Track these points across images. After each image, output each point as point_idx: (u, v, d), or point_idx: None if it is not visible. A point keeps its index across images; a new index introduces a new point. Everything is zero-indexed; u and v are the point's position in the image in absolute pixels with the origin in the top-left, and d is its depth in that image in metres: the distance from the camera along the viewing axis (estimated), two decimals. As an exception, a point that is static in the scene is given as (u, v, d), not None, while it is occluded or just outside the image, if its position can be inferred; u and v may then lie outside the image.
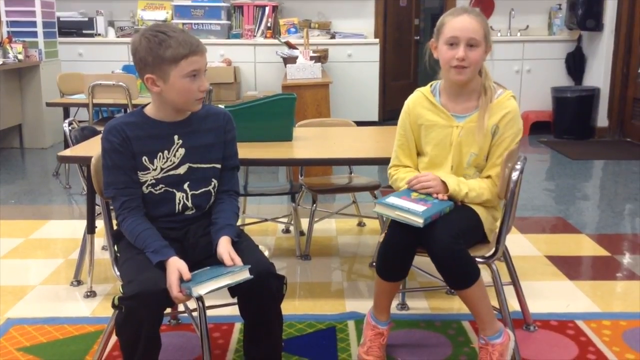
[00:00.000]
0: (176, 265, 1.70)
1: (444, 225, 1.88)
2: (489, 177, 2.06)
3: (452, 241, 1.86)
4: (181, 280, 1.68)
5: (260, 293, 1.76)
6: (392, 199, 1.92)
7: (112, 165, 1.82)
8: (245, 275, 1.71)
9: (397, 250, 1.96)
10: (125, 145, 1.81)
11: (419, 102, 2.10)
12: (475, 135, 2.02)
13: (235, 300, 1.83)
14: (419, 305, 2.54)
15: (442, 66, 2.03)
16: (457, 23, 1.97)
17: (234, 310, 1.86)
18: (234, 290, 1.79)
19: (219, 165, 1.92)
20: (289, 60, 4.96)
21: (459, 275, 1.89)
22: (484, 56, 2.00)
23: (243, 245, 1.86)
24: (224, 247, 1.78)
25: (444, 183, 1.99)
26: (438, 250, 1.86)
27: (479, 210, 2.03)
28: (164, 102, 1.82)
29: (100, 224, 2.54)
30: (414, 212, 1.86)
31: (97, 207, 2.56)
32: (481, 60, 1.99)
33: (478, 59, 1.97)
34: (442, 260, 1.87)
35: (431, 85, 2.12)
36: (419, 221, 1.84)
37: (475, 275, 1.89)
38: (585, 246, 3.31)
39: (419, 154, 2.15)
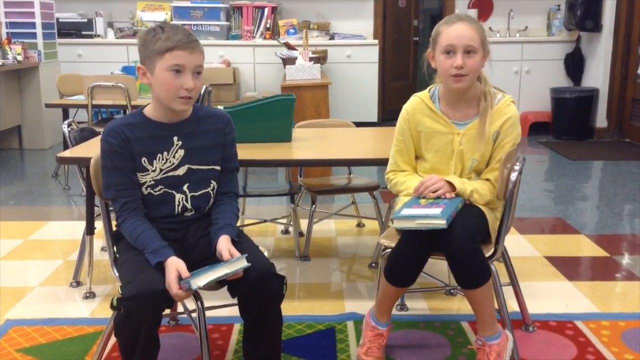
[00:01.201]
0: (174, 264, 1.70)
1: (461, 224, 1.88)
2: (487, 180, 2.06)
3: (469, 240, 1.87)
4: (180, 278, 1.68)
5: (261, 293, 1.77)
6: (406, 211, 1.91)
7: (112, 166, 1.82)
8: (242, 263, 1.71)
9: (410, 257, 1.96)
10: (125, 147, 1.81)
11: (418, 108, 2.09)
12: (476, 143, 2.02)
13: (234, 301, 1.83)
14: (418, 306, 2.54)
15: (441, 75, 2.03)
16: (453, 31, 1.97)
17: (233, 311, 1.86)
18: (233, 290, 1.79)
19: (218, 167, 1.92)
20: (288, 61, 4.96)
21: (474, 274, 1.89)
22: (482, 62, 2.00)
23: (243, 245, 1.86)
24: (224, 244, 1.79)
25: (449, 183, 2.00)
26: (457, 249, 1.86)
27: (484, 209, 2.04)
28: (156, 98, 1.84)
29: (99, 225, 2.55)
30: (433, 216, 1.85)
31: (96, 208, 2.57)
32: (479, 66, 1.99)
33: (476, 65, 1.97)
34: (460, 259, 1.87)
35: (429, 90, 2.11)
36: (441, 223, 1.84)
37: (487, 275, 1.90)
38: (584, 247, 3.31)
39: (419, 157, 2.15)
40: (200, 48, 1.79)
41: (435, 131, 2.06)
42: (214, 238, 1.83)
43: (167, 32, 1.75)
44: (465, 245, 1.86)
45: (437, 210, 1.88)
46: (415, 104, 2.10)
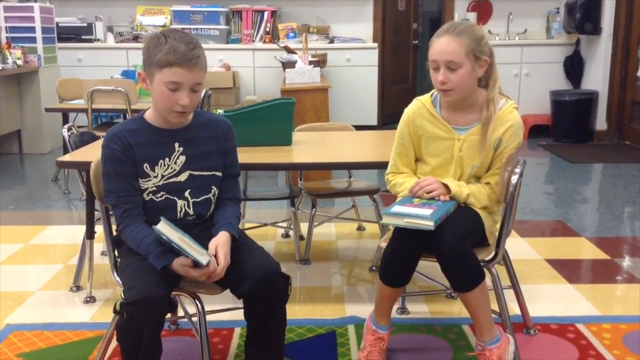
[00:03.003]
0: (180, 262, 1.72)
1: (450, 226, 1.88)
2: (487, 184, 2.06)
3: (459, 242, 1.86)
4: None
5: (268, 292, 1.77)
6: (397, 208, 1.92)
7: (113, 172, 1.82)
8: (203, 257, 1.69)
9: (401, 256, 1.96)
10: (127, 153, 1.81)
11: (419, 112, 2.09)
12: (476, 149, 2.02)
13: (235, 304, 1.83)
14: (419, 309, 2.54)
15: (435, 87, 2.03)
16: (437, 46, 1.96)
17: (234, 315, 1.86)
18: (239, 291, 1.79)
19: (219, 173, 1.92)
20: (287, 64, 4.96)
21: (465, 277, 1.89)
22: (471, 74, 1.96)
23: (249, 246, 1.87)
24: (218, 239, 1.79)
25: (445, 185, 1.99)
26: (446, 252, 1.86)
27: (481, 212, 2.03)
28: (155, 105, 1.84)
29: (99, 229, 2.54)
30: (422, 216, 1.86)
31: (96, 212, 2.56)
32: (466, 80, 1.95)
33: (461, 80, 1.94)
34: (449, 261, 1.87)
35: (432, 95, 2.11)
36: (429, 224, 1.84)
37: (480, 277, 1.90)
38: (584, 249, 3.31)
39: (419, 160, 2.15)
40: (201, 63, 1.76)
41: (436, 136, 2.06)
42: (214, 234, 1.83)
43: (170, 44, 1.72)
44: (453, 247, 1.86)
45: (427, 212, 1.88)
46: (417, 108, 2.10)
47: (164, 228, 1.67)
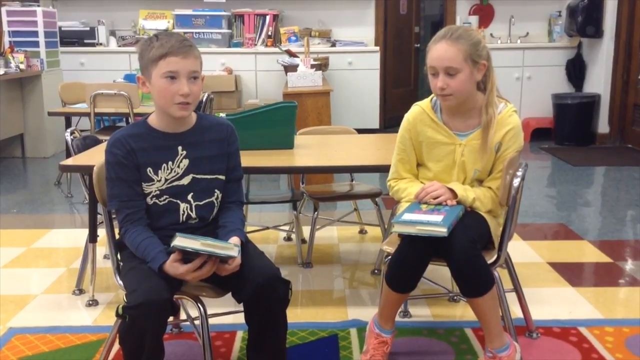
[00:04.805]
0: (171, 263, 1.71)
1: (461, 231, 1.88)
2: (489, 188, 2.06)
3: (470, 247, 1.86)
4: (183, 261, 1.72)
5: (268, 298, 1.77)
6: (407, 216, 1.91)
7: (116, 177, 1.83)
8: (232, 251, 1.70)
9: (410, 262, 1.96)
10: (130, 158, 1.82)
11: (419, 118, 2.08)
12: (478, 154, 2.02)
13: (237, 308, 1.83)
14: (421, 313, 2.54)
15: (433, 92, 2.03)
16: (434, 52, 1.96)
17: (236, 319, 1.87)
18: (239, 296, 1.79)
19: (222, 177, 1.93)
20: (289, 68, 4.97)
21: (476, 282, 1.89)
22: (470, 79, 1.96)
23: (250, 251, 1.87)
24: (235, 240, 1.80)
25: (450, 190, 2.00)
26: (457, 257, 1.86)
27: (486, 215, 2.04)
28: (157, 107, 1.85)
29: (102, 232, 2.55)
30: (434, 223, 1.85)
31: (98, 215, 2.57)
32: (465, 84, 1.95)
33: (460, 85, 1.94)
34: (461, 266, 1.87)
35: (431, 100, 2.10)
36: (442, 231, 1.84)
37: (490, 282, 1.90)
38: (587, 252, 3.30)
39: (422, 165, 2.15)
40: (194, 53, 1.79)
41: (437, 141, 2.06)
42: (225, 239, 1.82)
43: (161, 40, 1.77)
44: (465, 252, 1.86)
45: (438, 218, 1.87)
46: (417, 113, 2.10)
47: (183, 241, 1.66)
